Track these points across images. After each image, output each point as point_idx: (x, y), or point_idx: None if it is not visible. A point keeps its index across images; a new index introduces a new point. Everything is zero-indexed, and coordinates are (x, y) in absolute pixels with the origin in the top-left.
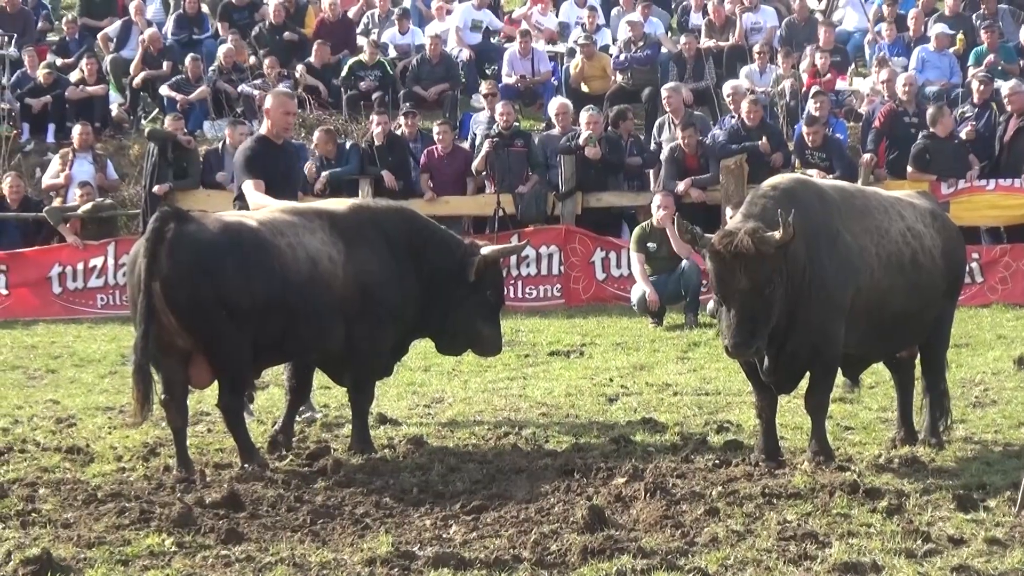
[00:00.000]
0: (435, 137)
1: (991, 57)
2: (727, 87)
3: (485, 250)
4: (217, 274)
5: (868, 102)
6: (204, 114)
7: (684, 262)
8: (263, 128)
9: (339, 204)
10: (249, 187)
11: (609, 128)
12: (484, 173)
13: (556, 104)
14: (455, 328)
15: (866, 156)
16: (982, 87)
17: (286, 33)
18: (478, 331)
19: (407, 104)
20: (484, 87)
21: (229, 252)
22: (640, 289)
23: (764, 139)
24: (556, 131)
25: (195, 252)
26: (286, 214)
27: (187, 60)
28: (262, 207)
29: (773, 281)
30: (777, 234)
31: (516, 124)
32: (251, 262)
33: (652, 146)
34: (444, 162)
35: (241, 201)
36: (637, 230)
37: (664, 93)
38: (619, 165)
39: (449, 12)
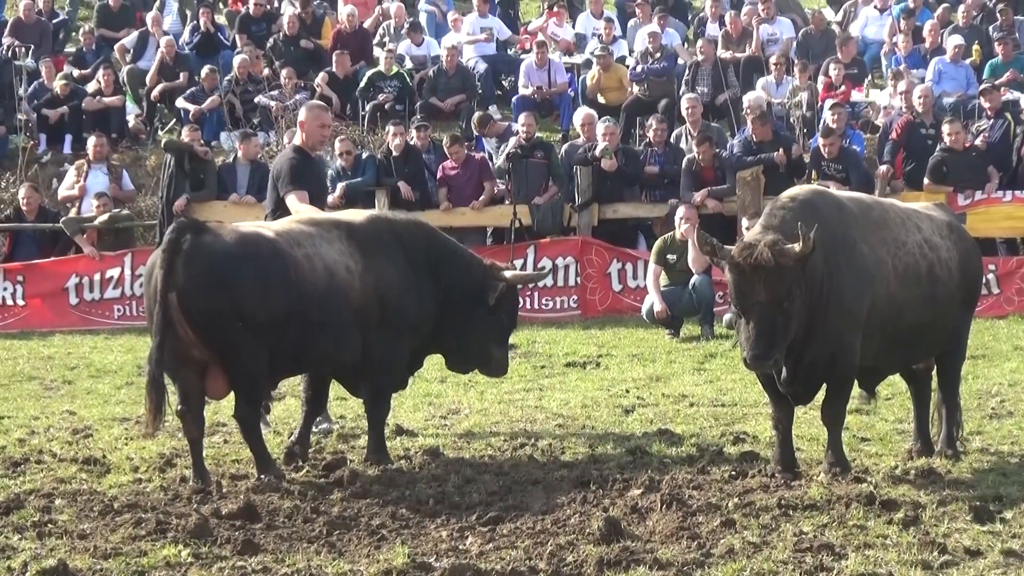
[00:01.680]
0: (446, 151)
1: (1009, 72)
2: (745, 99)
3: (507, 274)
4: (233, 285)
5: (885, 114)
6: (221, 125)
7: (695, 276)
8: (297, 139)
9: (356, 215)
10: (293, 200)
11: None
12: (504, 182)
13: (581, 115)
14: (467, 346)
15: (883, 168)
16: (989, 98)
17: (302, 42)
18: (489, 352)
19: (420, 116)
20: (475, 120)
21: (246, 263)
22: (651, 300)
23: (780, 151)
24: (581, 141)
25: (211, 263)
26: (303, 224)
27: (203, 71)
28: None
29: (792, 293)
30: (797, 246)
31: (538, 136)
32: (268, 273)
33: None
34: (459, 172)
35: (276, 215)
36: (658, 242)
37: (685, 103)
38: (635, 177)
39: (463, 23)
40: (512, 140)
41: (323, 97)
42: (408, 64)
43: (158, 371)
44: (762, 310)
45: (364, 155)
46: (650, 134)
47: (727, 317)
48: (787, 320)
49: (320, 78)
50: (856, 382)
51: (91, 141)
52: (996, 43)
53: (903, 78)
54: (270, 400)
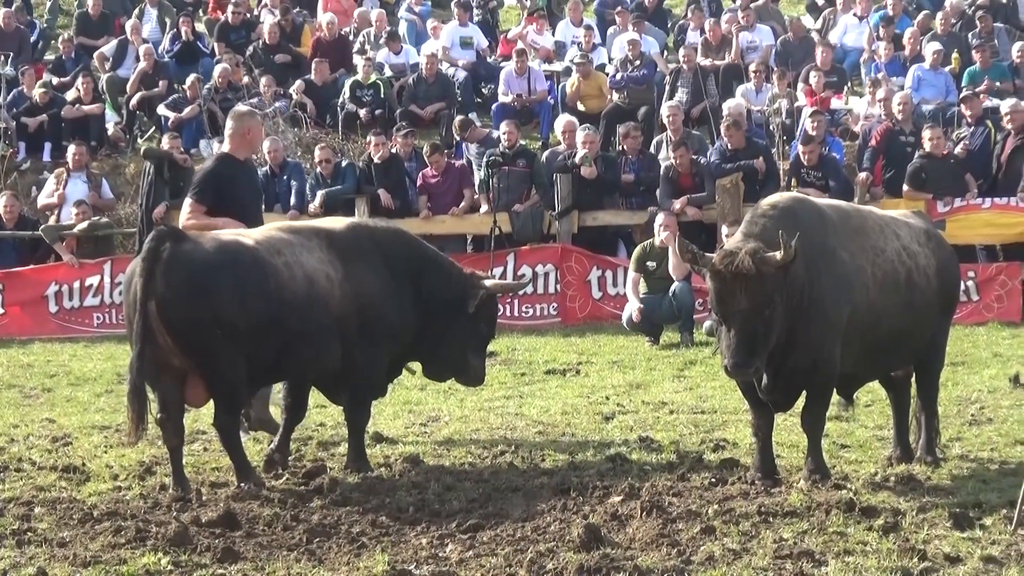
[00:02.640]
0: (426, 160)
1: (985, 83)
2: (725, 107)
3: (487, 283)
4: (213, 293)
5: (865, 121)
6: (200, 133)
7: (675, 283)
8: (225, 147)
9: (336, 223)
10: (186, 207)
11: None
12: (483, 195)
13: (563, 122)
14: (446, 355)
15: (862, 175)
16: (970, 105)
17: (277, 56)
18: (467, 361)
19: (403, 123)
20: (457, 123)
21: (225, 271)
22: (631, 307)
23: (760, 159)
24: (560, 148)
25: (191, 272)
26: (283, 232)
27: (188, 80)
28: (193, 228)
29: (773, 301)
30: (778, 254)
31: (521, 144)
32: (247, 281)
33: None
34: (439, 180)
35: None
36: (637, 249)
37: (666, 111)
38: (615, 184)
39: (442, 31)
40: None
41: (300, 105)
42: (388, 72)
43: (139, 380)
44: (743, 318)
45: (344, 163)
46: (624, 142)
47: (707, 324)
48: (768, 328)
49: (296, 87)
50: (835, 389)
51: (71, 149)
52: (974, 51)
53: (881, 86)
54: (250, 408)
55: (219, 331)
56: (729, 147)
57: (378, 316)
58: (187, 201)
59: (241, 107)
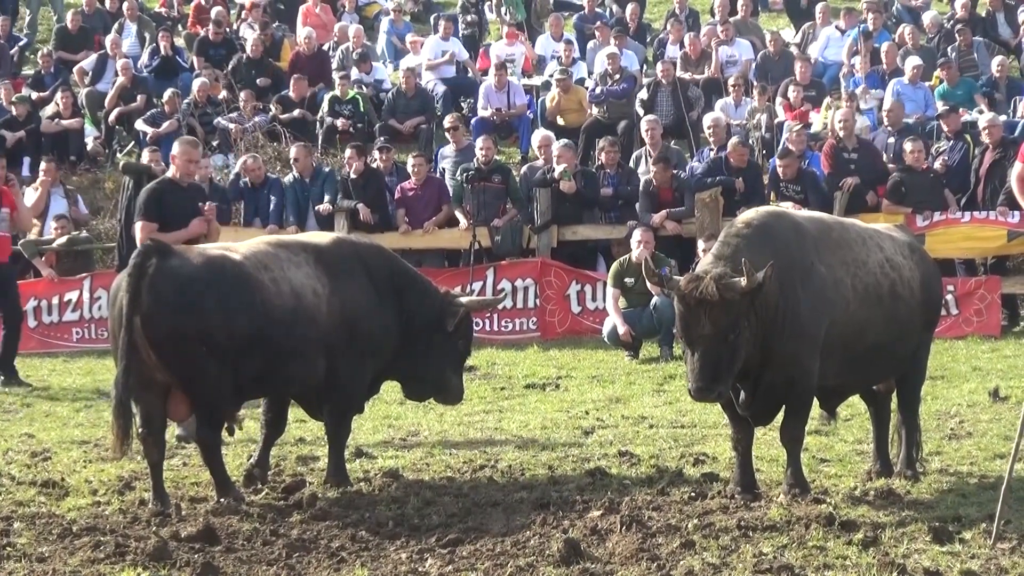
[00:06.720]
0: (409, 170)
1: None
2: (707, 119)
3: (464, 300)
4: (199, 309)
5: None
6: None
7: (656, 297)
8: (169, 172)
9: (322, 237)
10: (138, 228)
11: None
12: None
13: (539, 136)
14: (425, 374)
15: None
16: (948, 120)
17: (259, 80)
18: (446, 380)
19: (382, 138)
20: (448, 120)
21: (211, 287)
22: (611, 322)
23: (740, 180)
24: (539, 163)
25: (177, 287)
26: (271, 247)
27: (166, 94)
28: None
29: (738, 327)
30: (743, 280)
31: (496, 160)
32: (233, 297)
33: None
34: (417, 194)
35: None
36: (615, 265)
37: (644, 125)
38: (595, 198)
39: (423, 45)
40: (471, 162)
41: (280, 119)
42: (365, 87)
43: (125, 396)
44: (706, 343)
45: (326, 169)
46: (602, 157)
47: None
48: (732, 353)
49: (274, 106)
50: (818, 403)
51: (41, 167)
52: (940, 68)
53: (843, 104)
54: (234, 422)
55: (205, 346)
56: (733, 164)
57: (364, 331)
58: (138, 224)
59: (184, 136)
